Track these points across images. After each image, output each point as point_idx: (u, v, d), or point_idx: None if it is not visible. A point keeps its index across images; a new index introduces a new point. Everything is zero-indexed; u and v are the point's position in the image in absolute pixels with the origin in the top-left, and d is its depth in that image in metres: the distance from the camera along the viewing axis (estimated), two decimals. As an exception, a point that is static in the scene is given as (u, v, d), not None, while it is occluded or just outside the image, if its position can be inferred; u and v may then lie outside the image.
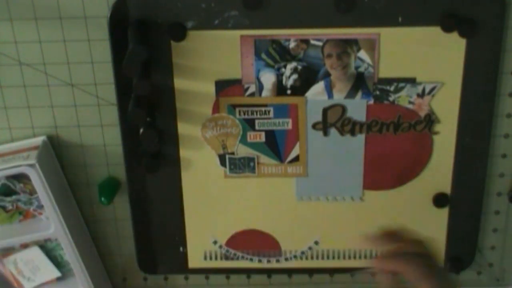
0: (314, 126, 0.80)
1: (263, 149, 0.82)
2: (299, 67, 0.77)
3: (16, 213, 0.84)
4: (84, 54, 0.78)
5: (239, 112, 0.79)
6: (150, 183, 0.84)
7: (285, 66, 0.77)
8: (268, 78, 0.78)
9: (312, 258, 0.88)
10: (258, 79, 0.78)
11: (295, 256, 0.88)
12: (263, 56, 0.76)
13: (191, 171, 0.83)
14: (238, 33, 0.75)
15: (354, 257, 0.88)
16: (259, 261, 0.89)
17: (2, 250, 0.87)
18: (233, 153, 0.82)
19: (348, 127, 0.80)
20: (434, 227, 0.85)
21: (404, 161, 0.82)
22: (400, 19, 0.74)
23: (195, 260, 0.89)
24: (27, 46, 0.77)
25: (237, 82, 0.78)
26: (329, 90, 0.78)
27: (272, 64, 0.77)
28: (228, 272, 0.92)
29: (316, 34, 0.75)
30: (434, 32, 0.74)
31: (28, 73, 0.79)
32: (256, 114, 0.79)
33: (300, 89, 0.78)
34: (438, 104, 0.78)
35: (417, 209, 0.84)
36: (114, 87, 0.78)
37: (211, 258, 0.89)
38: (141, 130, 0.78)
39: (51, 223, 0.82)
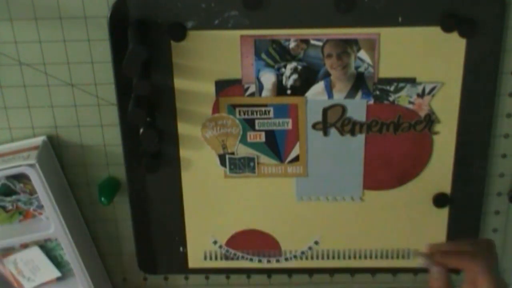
0: (314, 126, 0.80)
1: (263, 149, 0.82)
2: (299, 67, 0.77)
3: (16, 213, 0.84)
4: (84, 54, 0.78)
5: (239, 112, 0.79)
6: (150, 183, 0.84)
7: (285, 66, 0.77)
8: (268, 78, 0.78)
9: (312, 258, 0.88)
10: (258, 79, 0.78)
11: (295, 256, 0.88)
12: (263, 56, 0.76)
13: (191, 171, 0.83)
14: (238, 33, 0.75)
15: (354, 257, 0.88)
16: (259, 261, 0.89)
17: (2, 250, 0.87)
18: (233, 153, 0.82)
19: (348, 127, 0.80)
20: (434, 227, 0.85)
21: (404, 161, 0.82)
22: (400, 19, 0.74)
23: (195, 260, 0.89)
24: (27, 46, 0.78)
25: (237, 82, 0.78)
26: (329, 90, 0.78)
27: (272, 64, 0.77)
28: (228, 272, 0.92)
29: (316, 34, 0.75)
30: (434, 32, 0.74)
31: (28, 73, 0.79)
32: (256, 114, 0.79)
33: (300, 89, 0.78)
34: (438, 104, 0.78)
35: (417, 209, 0.84)
36: (114, 87, 0.78)
37: (211, 258, 0.89)
38: (141, 130, 0.78)
39: (51, 223, 0.82)
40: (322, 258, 0.88)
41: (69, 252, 0.84)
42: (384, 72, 0.77)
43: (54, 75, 0.79)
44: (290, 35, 0.75)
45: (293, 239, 0.87)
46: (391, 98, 0.78)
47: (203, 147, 0.81)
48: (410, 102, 0.78)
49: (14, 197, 0.83)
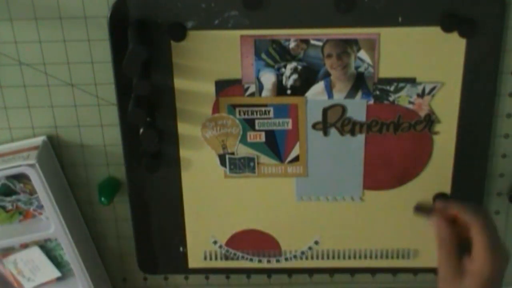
0: (314, 126, 0.80)
1: (263, 149, 0.82)
2: (299, 67, 0.77)
3: (16, 213, 0.84)
4: (84, 54, 0.78)
5: (239, 112, 0.79)
6: (150, 183, 0.84)
7: (285, 66, 0.77)
8: (268, 78, 0.78)
9: (312, 258, 0.88)
10: (258, 79, 0.78)
11: (295, 256, 0.88)
12: (263, 56, 0.76)
13: (191, 171, 0.83)
14: (238, 33, 0.75)
15: (354, 257, 0.88)
16: (259, 261, 0.89)
17: (2, 250, 0.87)
18: (233, 153, 0.82)
19: (348, 127, 0.80)
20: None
21: (404, 161, 0.82)
22: (400, 19, 0.74)
23: (195, 260, 0.89)
24: (27, 46, 0.78)
25: (237, 82, 0.78)
26: (329, 90, 0.78)
27: (272, 64, 0.77)
28: (228, 272, 0.92)
29: (316, 34, 0.75)
30: (434, 32, 0.74)
31: (28, 73, 0.79)
32: (256, 114, 0.79)
33: (300, 89, 0.78)
34: (438, 104, 0.78)
35: (417, 209, 0.84)
36: (114, 87, 0.78)
37: (211, 258, 0.89)
38: (141, 130, 0.78)
39: (51, 223, 0.82)
40: (322, 258, 0.88)
41: (69, 252, 0.84)
42: (384, 72, 0.77)
43: (54, 75, 0.79)
44: (290, 35, 0.75)
45: (293, 239, 0.87)
46: (391, 98, 0.78)
47: (203, 147, 0.81)
48: (410, 102, 0.78)
49: (14, 197, 0.83)
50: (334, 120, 0.80)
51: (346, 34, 0.75)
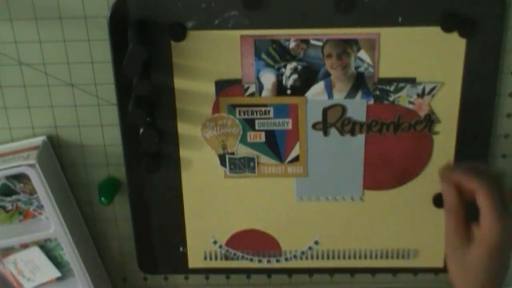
0: (314, 126, 0.80)
1: (263, 149, 0.82)
2: (299, 67, 0.77)
3: (16, 213, 0.84)
4: (84, 54, 0.78)
5: (239, 112, 0.79)
6: (150, 183, 0.84)
7: (285, 66, 0.77)
8: (268, 78, 0.78)
9: (312, 258, 0.88)
10: (258, 79, 0.78)
11: (295, 256, 0.88)
12: (263, 56, 0.76)
13: (191, 171, 0.83)
14: (238, 33, 0.75)
15: (354, 257, 0.88)
16: (259, 261, 0.89)
17: (2, 250, 0.87)
18: (233, 153, 0.82)
19: (348, 127, 0.80)
20: (434, 227, 0.85)
21: (404, 161, 0.82)
22: (400, 19, 0.74)
23: (195, 260, 0.89)
24: (27, 46, 0.78)
25: (237, 82, 0.78)
26: (329, 90, 0.78)
27: (272, 64, 0.77)
28: (228, 272, 0.92)
29: (316, 34, 0.75)
30: (434, 32, 0.74)
31: (28, 73, 0.79)
32: (256, 114, 0.79)
33: (300, 89, 0.78)
34: (438, 104, 0.78)
35: (417, 209, 0.84)
36: (114, 87, 0.78)
37: (211, 258, 0.89)
38: (141, 130, 0.78)
39: (51, 223, 0.82)
40: (322, 258, 0.88)
41: (69, 252, 0.84)
42: (384, 72, 0.77)
43: (54, 75, 0.79)
44: (290, 35, 0.75)
45: (293, 239, 0.87)
46: (391, 98, 0.78)
47: (203, 147, 0.81)
48: (410, 102, 0.78)
49: (14, 197, 0.83)
50: (334, 120, 0.80)
51: (346, 34, 0.75)
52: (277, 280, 0.93)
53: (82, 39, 0.77)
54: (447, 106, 0.78)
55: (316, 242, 0.87)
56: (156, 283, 0.94)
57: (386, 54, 0.76)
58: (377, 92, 0.78)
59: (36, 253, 0.88)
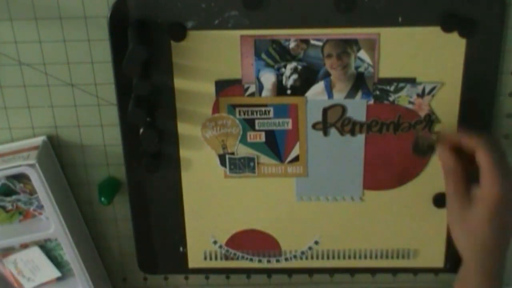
0: (314, 126, 0.80)
1: (263, 149, 0.82)
2: (299, 67, 0.77)
3: (16, 213, 0.84)
4: (84, 54, 0.78)
5: (239, 112, 0.79)
6: (150, 183, 0.84)
7: (285, 66, 0.77)
8: (268, 78, 0.78)
9: (312, 258, 0.88)
10: (258, 79, 0.78)
11: (295, 256, 0.88)
12: (263, 56, 0.76)
13: (191, 171, 0.83)
14: (238, 33, 0.75)
15: (354, 257, 0.88)
16: (259, 261, 0.89)
17: (2, 250, 0.87)
18: (233, 153, 0.82)
19: (348, 127, 0.80)
20: (434, 227, 0.85)
21: (404, 161, 0.82)
22: (400, 19, 0.74)
23: (195, 260, 0.89)
24: (27, 46, 0.78)
25: (237, 82, 0.78)
26: (329, 90, 0.78)
27: (272, 64, 0.77)
28: (228, 272, 0.92)
29: (316, 34, 0.75)
30: (434, 32, 0.74)
31: (28, 73, 0.79)
32: (256, 114, 0.79)
33: (300, 89, 0.78)
34: (438, 104, 0.78)
35: (417, 209, 0.84)
36: (114, 87, 0.78)
37: (211, 258, 0.89)
38: (141, 130, 0.78)
39: (51, 223, 0.82)
40: (322, 258, 0.88)
41: (69, 252, 0.84)
42: (384, 72, 0.77)
43: (54, 75, 0.79)
44: (290, 35, 0.75)
45: (293, 239, 0.87)
46: (391, 98, 0.78)
47: (203, 147, 0.81)
48: (410, 102, 0.78)
49: (14, 197, 0.83)
50: (334, 120, 0.80)
51: (346, 34, 0.75)
52: (277, 280, 0.93)
53: (82, 39, 0.77)
54: (447, 106, 0.78)
55: (316, 242, 0.87)
56: (156, 283, 0.94)
57: (386, 54, 0.76)
58: (377, 92, 0.78)
59: (36, 253, 0.88)
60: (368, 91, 0.78)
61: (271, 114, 0.79)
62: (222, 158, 0.82)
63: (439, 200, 0.83)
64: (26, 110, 0.81)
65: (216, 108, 0.79)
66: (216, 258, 0.89)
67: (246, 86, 0.78)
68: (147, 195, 0.84)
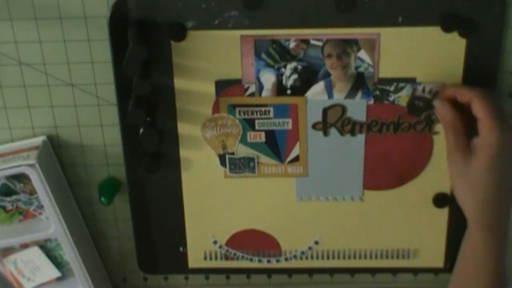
0: (314, 126, 0.80)
1: (263, 149, 0.82)
2: (299, 67, 0.77)
3: (16, 213, 0.84)
4: (84, 54, 0.78)
5: (239, 112, 0.79)
6: (150, 183, 0.84)
7: (285, 66, 0.77)
8: (268, 78, 0.78)
9: (312, 258, 0.88)
10: (258, 79, 0.78)
11: (295, 256, 0.88)
12: (263, 56, 0.76)
13: (191, 171, 0.83)
14: (238, 33, 0.75)
15: (354, 257, 0.88)
16: (259, 261, 0.89)
17: (2, 250, 0.87)
18: (233, 153, 0.82)
19: (348, 127, 0.80)
20: (434, 227, 0.85)
21: (404, 161, 0.82)
22: (400, 19, 0.74)
23: (195, 260, 0.89)
24: (27, 46, 0.78)
25: (237, 82, 0.78)
26: (329, 90, 0.78)
27: (272, 64, 0.77)
28: (228, 272, 0.92)
29: (316, 34, 0.75)
30: (434, 32, 0.74)
31: (28, 73, 0.79)
32: (256, 114, 0.79)
33: (300, 89, 0.78)
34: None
35: (417, 209, 0.84)
36: (114, 87, 0.78)
37: (211, 258, 0.89)
38: (141, 130, 0.78)
39: (51, 223, 0.82)
40: (322, 258, 0.88)
41: (69, 252, 0.84)
42: (384, 72, 0.77)
43: (54, 75, 0.79)
44: (290, 35, 0.75)
45: (293, 239, 0.87)
46: (391, 98, 0.78)
47: (203, 147, 0.81)
48: (410, 102, 0.78)
49: (14, 197, 0.83)
50: (334, 120, 0.80)
51: (346, 34, 0.75)
52: (277, 280, 0.93)
53: (82, 39, 0.77)
54: (447, 106, 0.78)
55: (316, 242, 0.87)
56: (156, 283, 0.94)
57: (386, 54, 0.76)
58: (377, 92, 0.78)
59: (36, 253, 0.88)
60: (368, 91, 0.78)
61: (271, 114, 0.79)
62: (222, 158, 0.82)
63: (439, 200, 0.83)
64: (26, 110, 0.81)
65: (216, 108, 0.79)
66: (216, 258, 0.89)
67: (246, 86, 0.78)
68: (147, 195, 0.84)
